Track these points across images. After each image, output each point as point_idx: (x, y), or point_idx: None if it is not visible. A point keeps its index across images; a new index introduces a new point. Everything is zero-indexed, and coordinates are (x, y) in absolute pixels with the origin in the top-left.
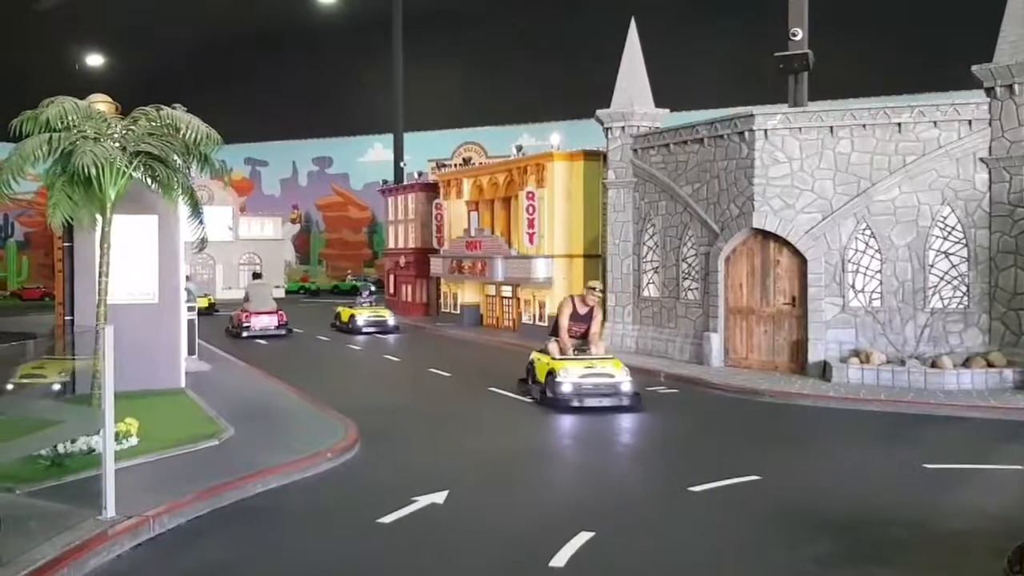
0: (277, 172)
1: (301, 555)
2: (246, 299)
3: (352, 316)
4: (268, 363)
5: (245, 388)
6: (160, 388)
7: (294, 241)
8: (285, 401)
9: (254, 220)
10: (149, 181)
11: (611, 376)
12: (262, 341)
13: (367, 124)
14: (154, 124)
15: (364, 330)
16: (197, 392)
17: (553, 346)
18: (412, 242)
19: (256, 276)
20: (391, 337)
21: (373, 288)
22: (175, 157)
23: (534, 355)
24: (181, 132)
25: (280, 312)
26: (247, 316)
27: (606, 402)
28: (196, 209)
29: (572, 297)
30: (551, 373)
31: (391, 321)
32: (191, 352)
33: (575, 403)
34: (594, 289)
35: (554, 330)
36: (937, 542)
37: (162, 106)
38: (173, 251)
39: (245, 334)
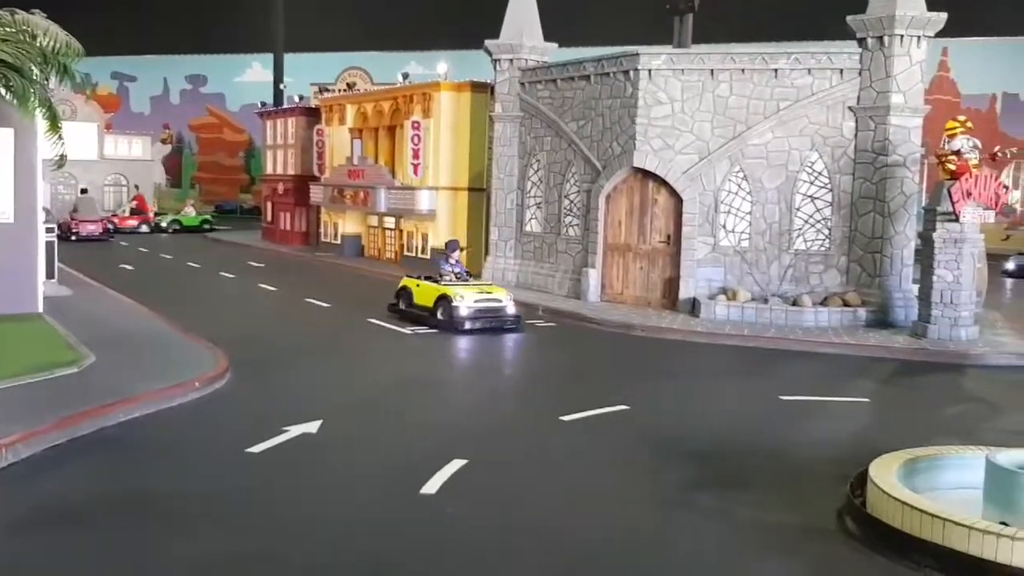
0: (147, 89)
1: (163, 485)
2: (74, 209)
3: (445, 299)
4: (133, 288)
5: (109, 314)
6: (15, 312)
7: (165, 163)
8: (152, 329)
9: (121, 138)
10: (3, 91)
11: None
12: (128, 266)
13: (245, 42)
14: (8, 30)
15: (468, 325)
16: (56, 317)
17: None
18: (291, 168)
19: (83, 191)
20: (265, 263)
21: (462, 245)
22: (32, 66)
23: None
24: (38, 40)
25: (103, 221)
26: (76, 224)
27: None
28: (55, 123)
29: None
30: None
31: (511, 308)
32: (50, 276)
33: None
34: None
35: None
36: (790, 468)
37: (17, 10)
38: (30, 168)
39: (74, 238)
